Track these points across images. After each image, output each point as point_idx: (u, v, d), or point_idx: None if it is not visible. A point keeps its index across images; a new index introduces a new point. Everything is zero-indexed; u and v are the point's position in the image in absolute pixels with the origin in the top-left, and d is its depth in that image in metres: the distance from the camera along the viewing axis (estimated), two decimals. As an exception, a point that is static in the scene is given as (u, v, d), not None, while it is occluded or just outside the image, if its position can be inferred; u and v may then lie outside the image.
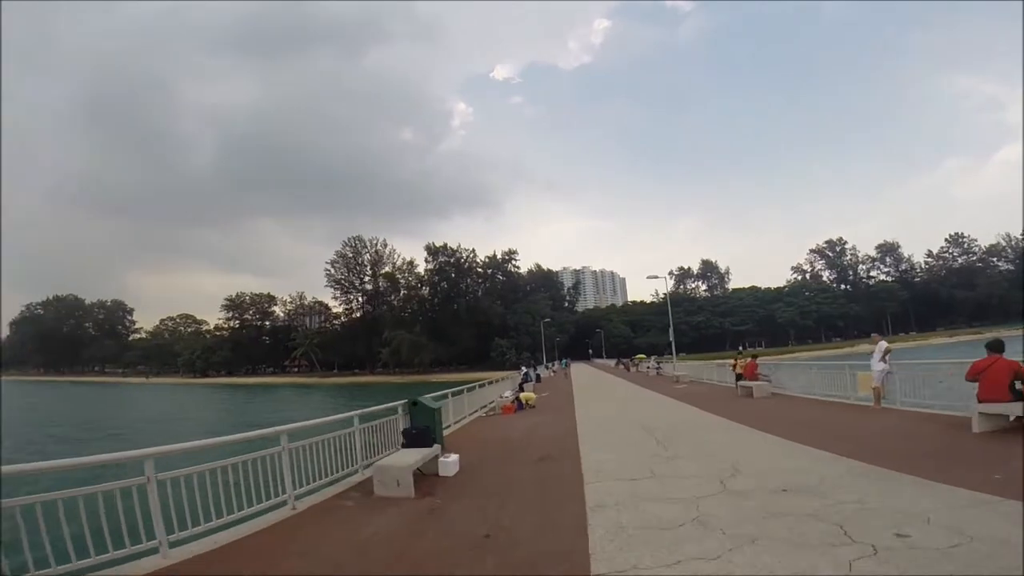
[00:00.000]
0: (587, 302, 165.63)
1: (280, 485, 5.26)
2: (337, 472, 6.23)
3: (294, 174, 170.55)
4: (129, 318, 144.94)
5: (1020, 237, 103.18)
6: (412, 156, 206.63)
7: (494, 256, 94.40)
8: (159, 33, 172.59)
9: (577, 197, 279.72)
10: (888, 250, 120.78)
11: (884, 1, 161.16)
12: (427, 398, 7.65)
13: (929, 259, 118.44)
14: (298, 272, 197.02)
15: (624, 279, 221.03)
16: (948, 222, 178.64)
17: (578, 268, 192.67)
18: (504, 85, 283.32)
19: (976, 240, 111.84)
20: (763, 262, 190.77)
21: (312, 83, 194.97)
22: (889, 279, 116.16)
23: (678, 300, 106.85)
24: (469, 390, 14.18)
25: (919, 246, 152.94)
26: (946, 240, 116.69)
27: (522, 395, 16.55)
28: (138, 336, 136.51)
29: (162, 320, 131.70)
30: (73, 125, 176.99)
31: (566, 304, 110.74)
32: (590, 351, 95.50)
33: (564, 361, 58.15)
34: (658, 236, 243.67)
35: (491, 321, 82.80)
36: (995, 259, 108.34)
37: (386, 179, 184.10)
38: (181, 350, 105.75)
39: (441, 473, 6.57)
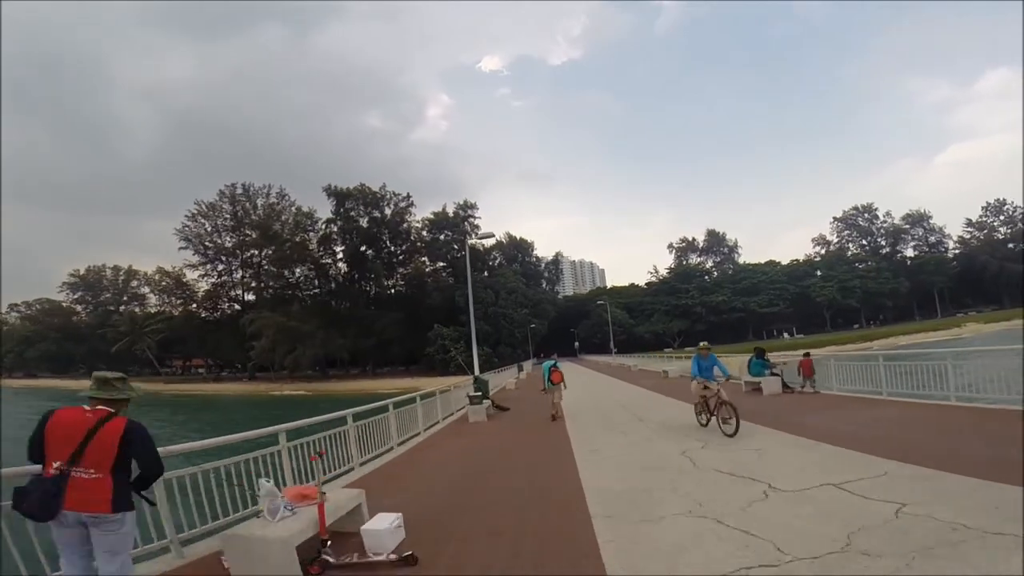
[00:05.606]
0: (566, 293, 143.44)
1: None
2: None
3: (248, 160, 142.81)
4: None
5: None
6: (381, 144, 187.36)
7: (443, 211, 66.55)
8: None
9: (557, 191, 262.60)
10: (917, 220, 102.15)
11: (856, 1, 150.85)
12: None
13: (969, 228, 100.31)
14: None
15: (603, 270, 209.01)
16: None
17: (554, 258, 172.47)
18: (492, 77, 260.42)
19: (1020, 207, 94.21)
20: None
21: (264, 63, 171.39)
22: (917, 253, 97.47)
23: (688, 275, 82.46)
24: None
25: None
26: (983, 208, 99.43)
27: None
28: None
29: (11, 304, 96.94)
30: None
31: (544, 284, 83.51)
32: (576, 344, 70.08)
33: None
34: (637, 231, 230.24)
35: (431, 302, 55.51)
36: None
37: (353, 166, 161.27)
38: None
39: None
